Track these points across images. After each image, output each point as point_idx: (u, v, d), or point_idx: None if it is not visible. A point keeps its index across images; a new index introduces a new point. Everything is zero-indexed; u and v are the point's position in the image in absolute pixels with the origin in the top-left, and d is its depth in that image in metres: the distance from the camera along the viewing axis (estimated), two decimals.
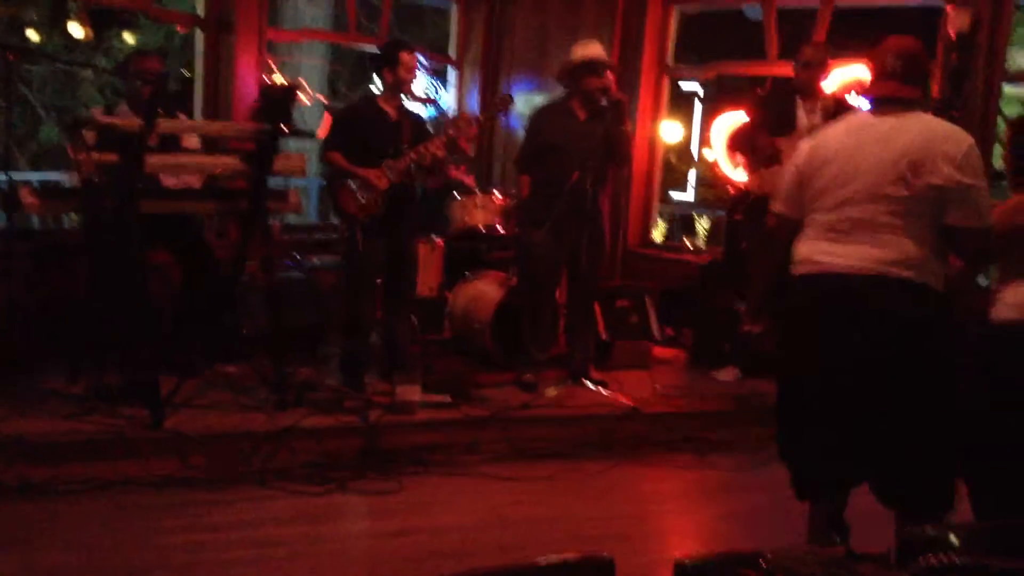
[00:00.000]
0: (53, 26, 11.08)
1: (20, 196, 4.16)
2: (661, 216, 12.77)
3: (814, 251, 3.10)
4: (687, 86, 11.95)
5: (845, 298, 3.02)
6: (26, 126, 11.35)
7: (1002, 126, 5.17)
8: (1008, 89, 6.36)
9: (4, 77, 4.38)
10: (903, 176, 2.93)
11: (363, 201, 4.80)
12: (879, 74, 3.12)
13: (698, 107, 10.83)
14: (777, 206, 3.34)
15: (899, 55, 3.08)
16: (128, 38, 12.03)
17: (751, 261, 5.33)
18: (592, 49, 5.12)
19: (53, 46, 11.26)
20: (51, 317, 4.75)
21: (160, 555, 3.34)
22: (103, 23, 10.96)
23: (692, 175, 10.58)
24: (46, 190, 4.75)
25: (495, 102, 5.21)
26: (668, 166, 13.69)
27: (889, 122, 3.03)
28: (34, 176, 9.78)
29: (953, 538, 1.80)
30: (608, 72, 5.11)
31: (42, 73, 11.11)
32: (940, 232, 2.97)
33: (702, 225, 11.53)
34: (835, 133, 3.17)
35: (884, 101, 3.09)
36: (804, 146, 3.26)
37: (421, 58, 7.20)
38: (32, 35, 11.27)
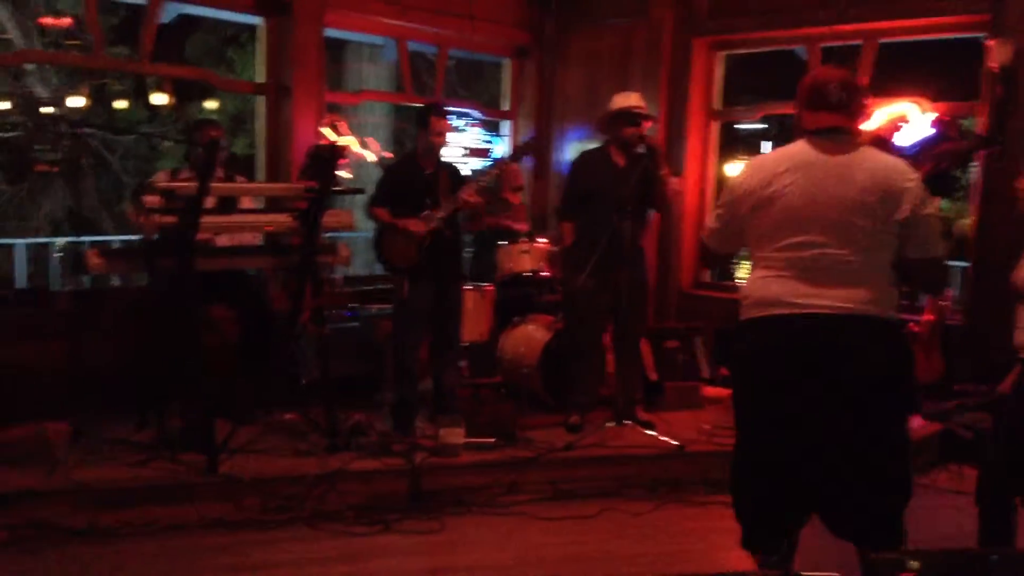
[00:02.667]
0: (138, 96, 11.72)
1: (86, 258, 4.45)
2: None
3: (782, 293, 2.93)
4: (752, 127, 11.93)
5: (818, 339, 2.89)
6: (112, 191, 11.97)
7: None
8: None
9: (70, 148, 4.72)
10: (871, 212, 2.86)
11: (404, 250, 5.02)
12: (822, 105, 2.97)
13: (765, 147, 10.84)
14: (710, 241, 3.21)
15: (844, 86, 2.98)
16: (210, 104, 12.60)
17: None
18: (629, 99, 5.28)
19: (138, 114, 11.91)
20: (120, 369, 5.05)
21: None
22: (184, 91, 11.53)
23: None
24: (109, 251, 5.08)
25: (519, 147, 5.44)
26: None
27: (840, 156, 2.92)
28: (117, 238, 10.31)
29: (913, 562, 1.86)
30: (645, 121, 5.25)
31: (126, 143, 11.70)
32: (894, 265, 2.93)
33: None
34: (777, 167, 2.97)
35: (829, 133, 2.95)
36: (739, 181, 3.08)
37: (476, 113, 7.51)
38: (119, 104, 11.95)
